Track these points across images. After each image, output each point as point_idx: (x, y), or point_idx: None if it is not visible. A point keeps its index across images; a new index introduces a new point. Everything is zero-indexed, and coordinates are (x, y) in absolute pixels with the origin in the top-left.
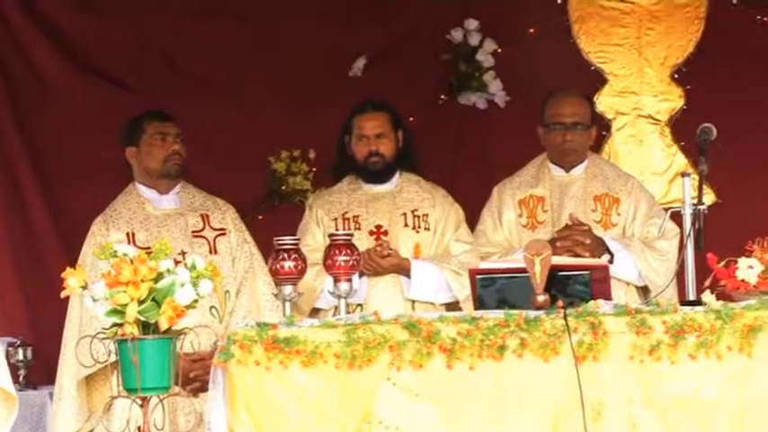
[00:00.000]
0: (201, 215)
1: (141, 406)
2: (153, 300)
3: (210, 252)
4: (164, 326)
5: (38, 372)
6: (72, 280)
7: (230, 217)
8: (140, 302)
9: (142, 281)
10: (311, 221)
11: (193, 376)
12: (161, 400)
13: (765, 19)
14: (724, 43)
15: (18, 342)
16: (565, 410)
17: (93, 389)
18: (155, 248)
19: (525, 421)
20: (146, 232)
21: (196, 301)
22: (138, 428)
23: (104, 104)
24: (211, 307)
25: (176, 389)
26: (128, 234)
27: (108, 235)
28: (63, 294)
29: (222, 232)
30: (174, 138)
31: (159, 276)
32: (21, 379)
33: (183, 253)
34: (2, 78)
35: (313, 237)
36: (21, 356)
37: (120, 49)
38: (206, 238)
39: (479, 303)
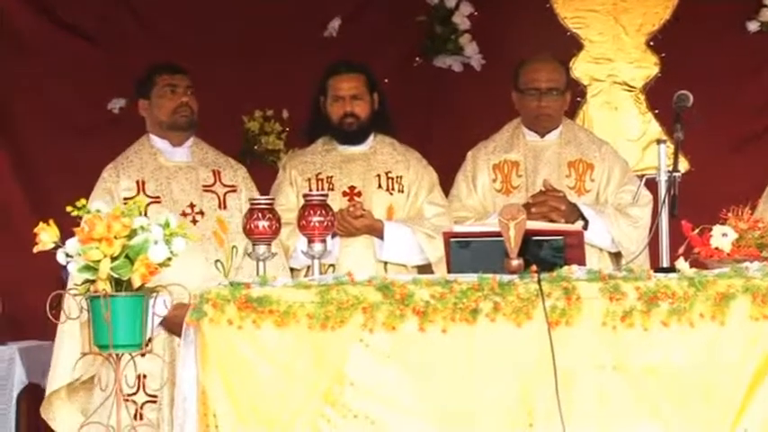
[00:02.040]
0: (213, 171)
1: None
2: (126, 257)
3: (220, 207)
4: (136, 283)
5: (4, 328)
6: (44, 235)
7: (242, 176)
8: (113, 259)
9: (115, 237)
10: (285, 182)
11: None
12: (132, 357)
13: None
14: (700, 11)
15: None
16: (536, 375)
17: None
18: (127, 206)
19: (496, 385)
20: (155, 182)
21: (170, 259)
22: (139, 377)
23: (74, 59)
24: (217, 261)
25: (149, 347)
26: (137, 182)
27: (118, 181)
28: (35, 250)
29: (233, 189)
30: (185, 90)
31: (133, 233)
32: None
33: (192, 206)
34: None
35: (286, 197)
36: None
37: (91, 5)
38: (216, 193)
39: (453, 266)
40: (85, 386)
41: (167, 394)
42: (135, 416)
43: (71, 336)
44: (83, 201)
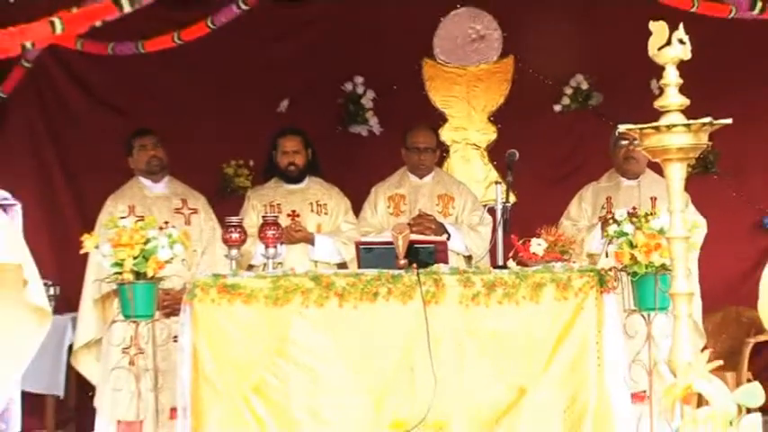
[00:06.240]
0: (181, 199)
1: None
2: (143, 256)
3: (185, 224)
4: (149, 274)
5: (62, 304)
6: (88, 242)
7: (201, 203)
8: (134, 258)
9: (136, 243)
10: (249, 207)
11: (166, 304)
12: (147, 324)
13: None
14: (523, 98)
15: (50, 283)
16: (415, 337)
17: (104, 310)
18: (144, 223)
19: (389, 345)
20: (141, 207)
21: (172, 258)
22: (131, 338)
23: (110, 124)
24: (183, 260)
25: (157, 315)
26: (129, 207)
27: (116, 206)
28: (82, 251)
29: (194, 212)
30: (152, 147)
31: (147, 241)
32: (51, 307)
33: (166, 223)
34: (41, 109)
35: (250, 218)
36: (51, 292)
37: (119, 87)
38: (183, 214)
39: (361, 264)
40: (97, 344)
41: (151, 350)
42: (129, 362)
43: (89, 310)
44: (88, 236)
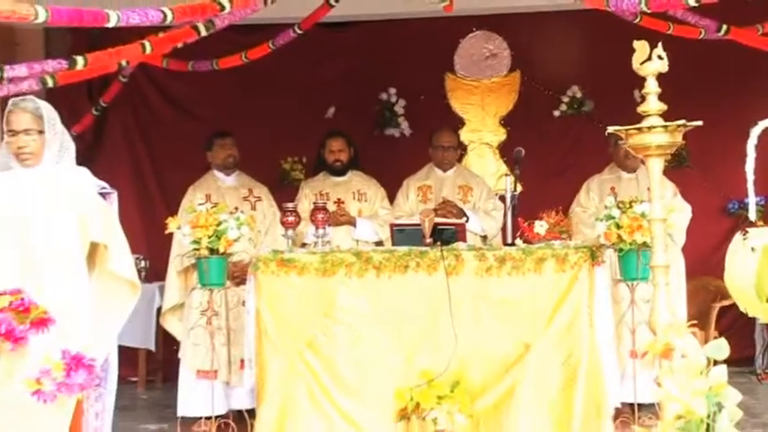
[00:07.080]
0: (248, 189)
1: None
2: (216, 236)
3: (251, 209)
4: (221, 250)
5: (151, 274)
6: (172, 224)
7: (264, 192)
8: (209, 237)
9: (210, 225)
10: (302, 196)
11: (236, 275)
12: (220, 291)
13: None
14: (529, 105)
15: (141, 257)
16: (439, 303)
17: (186, 279)
18: (218, 208)
19: (417, 308)
20: (216, 195)
21: (239, 237)
22: (207, 302)
23: (190, 128)
24: (249, 239)
25: (228, 284)
26: (206, 195)
27: (195, 194)
28: (166, 231)
29: (259, 199)
30: (230, 146)
31: (219, 223)
32: (142, 278)
33: (236, 208)
34: (134, 115)
35: (303, 204)
36: (142, 265)
37: (197, 98)
38: (250, 202)
39: (394, 243)
40: (181, 307)
41: (224, 312)
42: (206, 322)
43: (174, 280)
44: (172, 219)
